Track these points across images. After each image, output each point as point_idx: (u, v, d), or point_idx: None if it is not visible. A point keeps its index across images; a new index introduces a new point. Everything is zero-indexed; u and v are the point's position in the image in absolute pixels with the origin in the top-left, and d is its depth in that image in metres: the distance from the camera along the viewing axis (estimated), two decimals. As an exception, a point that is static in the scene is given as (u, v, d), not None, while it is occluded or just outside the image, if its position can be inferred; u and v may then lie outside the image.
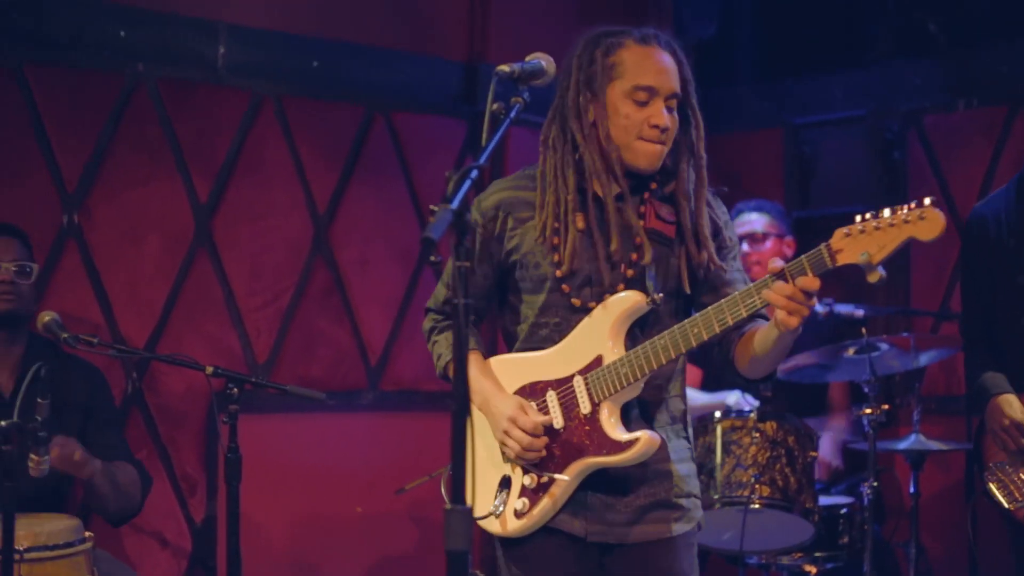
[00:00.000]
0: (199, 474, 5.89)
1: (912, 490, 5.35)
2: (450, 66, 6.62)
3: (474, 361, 3.75)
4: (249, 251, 6.06)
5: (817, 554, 5.38)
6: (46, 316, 4.61)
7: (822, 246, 3.30)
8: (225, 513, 4.40)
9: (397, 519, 6.37)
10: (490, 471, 3.73)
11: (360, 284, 6.37)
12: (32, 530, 4.22)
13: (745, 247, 6.01)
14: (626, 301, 3.60)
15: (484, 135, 3.08)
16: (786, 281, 3.31)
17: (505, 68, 3.25)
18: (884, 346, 5.42)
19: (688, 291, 3.67)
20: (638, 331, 3.63)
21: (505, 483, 3.70)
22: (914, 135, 6.60)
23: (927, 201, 3.19)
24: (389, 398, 6.45)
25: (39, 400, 4.03)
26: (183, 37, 5.86)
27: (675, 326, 3.51)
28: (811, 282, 3.29)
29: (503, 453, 3.71)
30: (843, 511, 5.43)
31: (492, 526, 3.72)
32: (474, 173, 2.88)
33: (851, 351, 5.40)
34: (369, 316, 6.40)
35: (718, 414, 5.24)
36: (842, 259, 3.27)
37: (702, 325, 3.47)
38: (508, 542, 3.75)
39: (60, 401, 4.28)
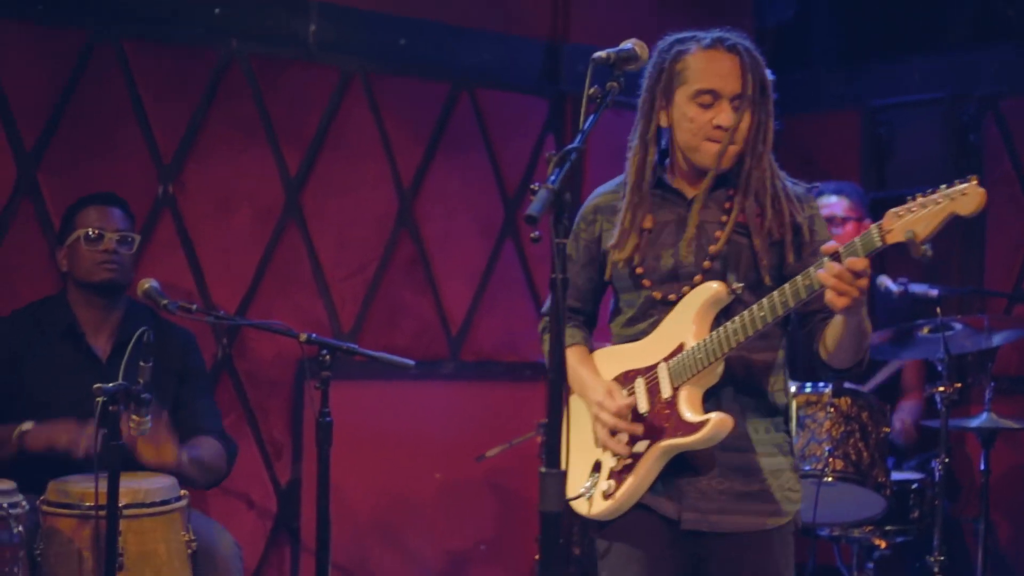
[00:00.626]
0: (285, 438, 6.06)
1: (982, 467, 5.43)
2: (533, 45, 6.72)
3: (574, 353, 3.91)
4: (336, 223, 6.19)
5: (888, 528, 5.45)
6: (146, 283, 4.72)
7: (873, 226, 3.37)
8: (314, 476, 4.49)
9: (475, 486, 6.52)
10: (583, 455, 3.85)
11: (443, 257, 6.51)
12: (131, 487, 4.33)
13: None
14: (707, 291, 3.70)
15: (582, 118, 3.21)
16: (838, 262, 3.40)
17: (601, 55, 3.36)
18: (958, 326, 5.48)
19: (769, 283, 3.73)
20: (723, 319, 3.71)
21: (597, 467, 3.82)
22: (990, 118, 6.65)
23: (973, 180, 3.24)
24: (469, 368, 6.59)
25: (142, 364, 4.14)
26: (275, 15, 5.99)
27: (745, 311, 3.60)
28: (857, 262, 3.35)
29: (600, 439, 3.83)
30: (914, 486, 5.49)
31: (581, 507, 3.83)
32: (573, 155, 3.02)
33: (925, 330, 5.45)
34: (451, 288, 6.54)
35: (794, 389, 5.29)
36: (891, 238, 3.33)
37: (767, 308, 3.55)
38: (601, 523, 3.86)
39: (157, 365, 4.42)
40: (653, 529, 3.79)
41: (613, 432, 3.74)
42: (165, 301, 4.65)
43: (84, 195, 5.09)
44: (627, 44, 3.44)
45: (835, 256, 3.41)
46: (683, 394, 3.69)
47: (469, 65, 6.54)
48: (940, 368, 5.35)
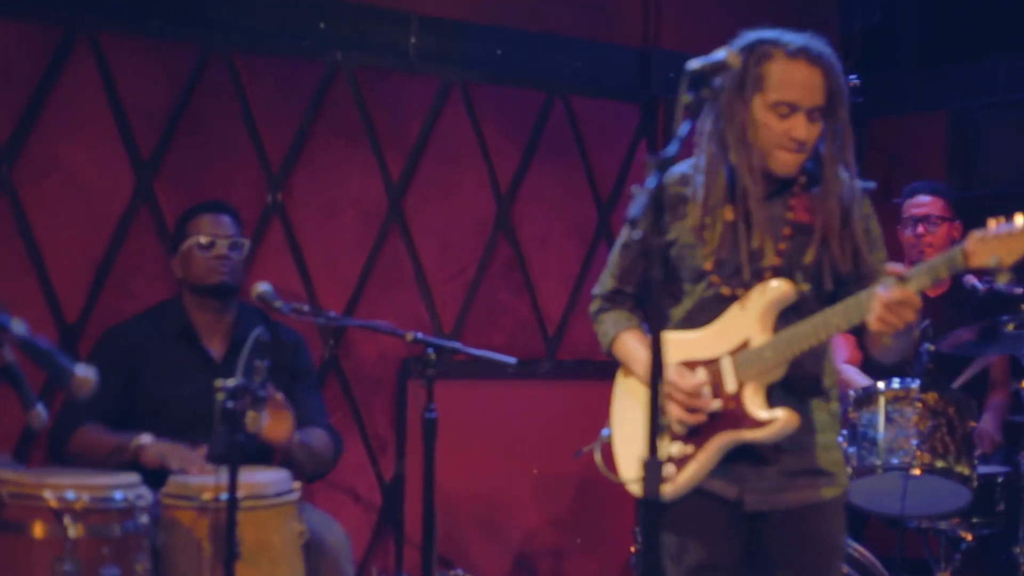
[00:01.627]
0: (389, 435, 6.21)
1: (1067, 461, 5.50)
2: (625, 52, 6.84)
3: (635, 337, 3.99)
4: (437, 227, 6.35)
5: (974, 520, 5.49)
6: (259, 287, 4.86)
7: (956, 249, 3.49)
8: (417, 471, 4.67)
9: (572, 481, 6.65)
10: (638, 440, 3.88)
11: (539, 259, 6.66)
12: (246, 480, 4.40)
13: (920, 230, 6.06)
14: (776, 291, 3.79)
15: (676, 124, 3.32)
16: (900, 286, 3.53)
17: (695, 66, 3.45)
18: (1042, 322, 5.54)
19: (830, 287, 3.84)
20: (790, 316, 3.81)
21: None
22: (1076, 119, 6.70)
23: None
24: (565, 367, 6.72)
25: (257, 363, 4.23)
26: (378, 28, 6.15)
27: (818, 314, 3.72)
28: (909, 296, 3.51)
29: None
30: (1000, 479, 5.53)
31: (638, 490, 3.95)
32: (671, 161, 3.14)
33: (1010, 326, 5.45)
34: (547, 289, 6.68)
35: (882, 385, 5.36)
36: (974, 261, 3.44)
37: (842, 316, 3.68)
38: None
39: (271, 364, 4.56)
40: (713, 512, 3.90)
41: (689, 410, 3.81)
42: (279, 303, 4.82)
43: (197, 203, 5.26)
44: (720, 54, 3.44)
45: (901, 279, 3.53)
46: (748, 389, 3.80)
47: (563, 73, 6.67)
48: (1025, 364, 5.43)
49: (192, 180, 5.69)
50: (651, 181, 3.06)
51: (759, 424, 3.79)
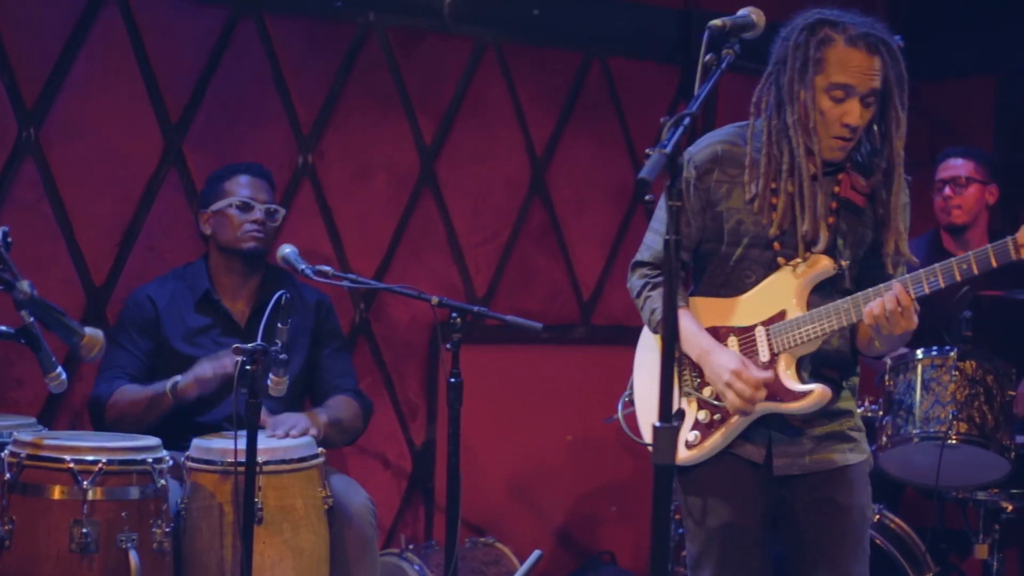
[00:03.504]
0: (420, 400, 6.19)
1: (1111, 431, 5.40)
2: (665, 14, 6.75)
3: (686, 315, 3.91)
4: (471, 191, 6.31)
5: (1013, 491, 5.42)
6: (283, 249, 4.88)
7: (1008, 239, 3.53)
8: (446, 435, 4.62)
9: (605, 447, 6.57)
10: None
11: (575, 223, 6.61)
12: (270, 445, 4.49)
13: (947, 192, 5.94)
14: (816, 264, 3.81)
15: (696, 84, 3.28)
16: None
17: (717, 23, 3.40)
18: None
19: (869, 265, 3.87)
20: (824, 290, 3.84)
21: (678, 415, 3.85)
22: None
23: None
24: (600, 332, 6.68)
25: (279, 325, 4.24)
26: (411, -12, 6.09)
27: (859, 292, 3.73)
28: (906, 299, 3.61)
29: (685, 390, 3.92)
30: (1040, 449, 5.48)
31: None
32: (687, 120, 3.08)
33: None
34: (583, 254, 6.64)
35: (920, 353, 5.29)
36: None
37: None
38: (682, 469, 3.93)
39: (294, 328, 4.54)
40: (739, 474, 3.90)
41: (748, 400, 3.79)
42: (302, 266, 4.80)
43: (227, 164, 5.23)
44: (743, 12, 3.50)
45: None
46: (782, 361, 3.81)
47: (601, 34, 6.59)
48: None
49: (221, 142, 5.65)
50: (665, 142, 3.00)
51: (794, 396, 3.79)
